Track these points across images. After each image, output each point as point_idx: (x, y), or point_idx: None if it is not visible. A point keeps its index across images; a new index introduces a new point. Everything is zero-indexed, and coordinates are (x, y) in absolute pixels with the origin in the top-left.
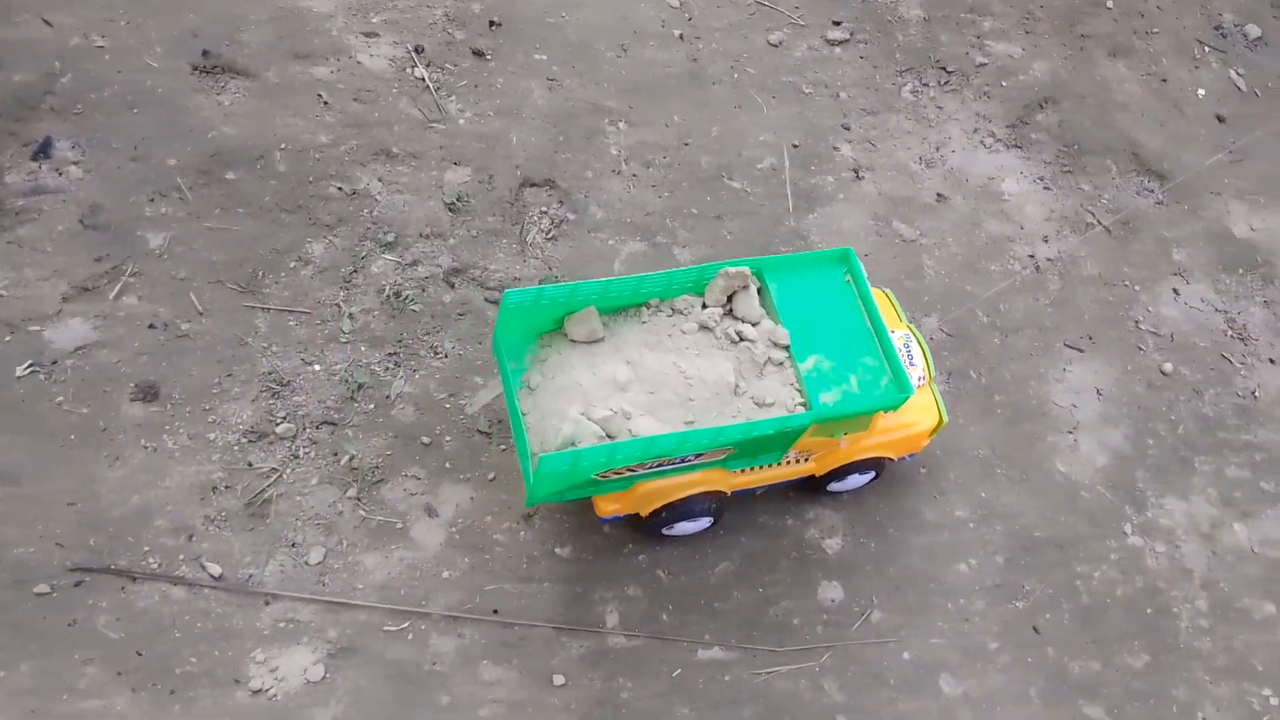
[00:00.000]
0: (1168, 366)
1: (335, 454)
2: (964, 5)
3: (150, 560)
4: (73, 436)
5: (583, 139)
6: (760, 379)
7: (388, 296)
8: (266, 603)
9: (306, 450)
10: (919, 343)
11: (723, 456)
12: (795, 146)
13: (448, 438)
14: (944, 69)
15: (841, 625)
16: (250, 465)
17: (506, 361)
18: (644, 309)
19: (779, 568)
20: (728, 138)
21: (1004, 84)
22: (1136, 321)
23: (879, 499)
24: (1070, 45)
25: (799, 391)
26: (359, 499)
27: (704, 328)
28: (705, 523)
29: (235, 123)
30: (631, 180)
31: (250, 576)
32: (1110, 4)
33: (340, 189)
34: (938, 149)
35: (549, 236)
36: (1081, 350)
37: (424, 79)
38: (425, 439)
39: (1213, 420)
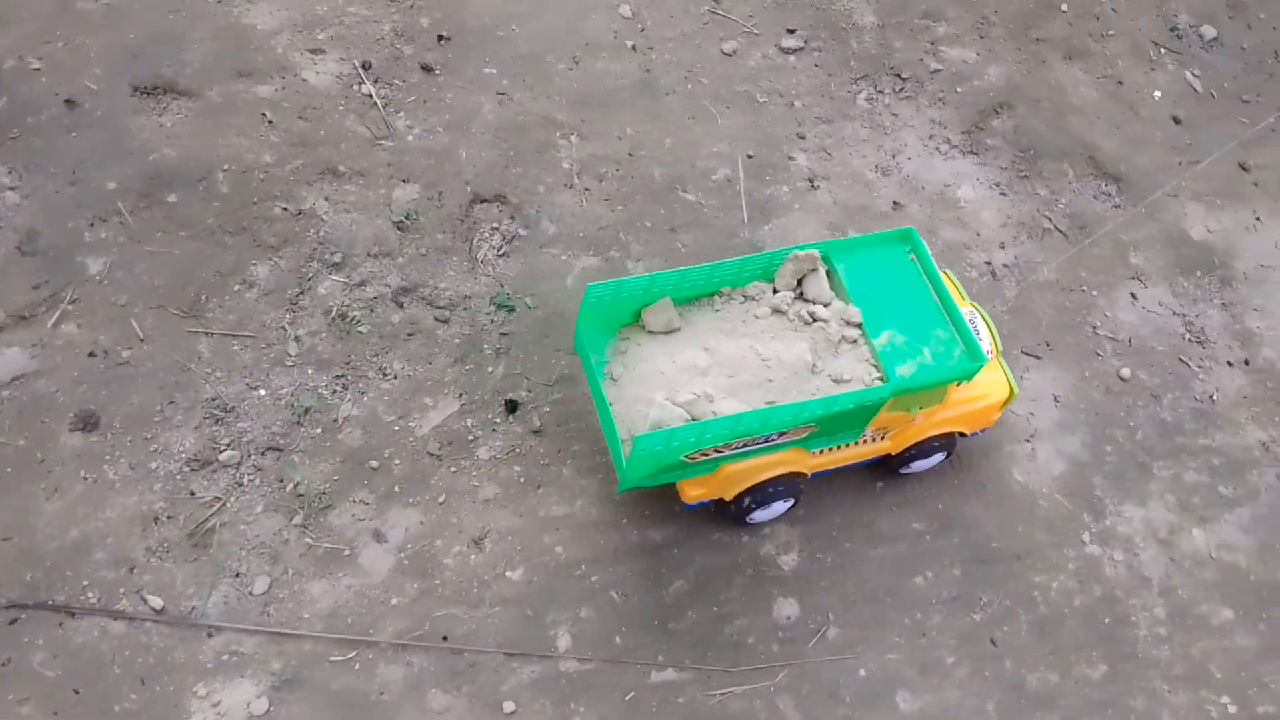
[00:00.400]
0: (1125, 372)
1: (281, 480)
2: (918, 11)
3: (89, 595)
4: (9, 469)
5: (534, 153)
6: (836, 357)
7: (334, 318)
8: (209, 635)
9: (251, 477)
10: (984, 319)
11: (804, 435)
12: (750, 157)
13: (397, 461)
14: (899, 76)
15: (797, 642)
16: (193, 494)
17: (590, 354)
18: (716, 298)
19: (734, 585)
20: (681, 149)
21: (959, 90)
22: (1094, 327)
23: (835, 512)
24: (1025, 49)
25: (875, 367)
26: (305, 526)
27: (777, 311)
28: (787, 505)
29: (177, 144)
30: (584, 194)
31: (193, 609)
32: (1065, 7)
33: (285, 209)
34: (893, 156)
35: (500, 253)
36: (1039, 357)
37: (371, 95)
38: (374, 463)
39: (1171, 425)
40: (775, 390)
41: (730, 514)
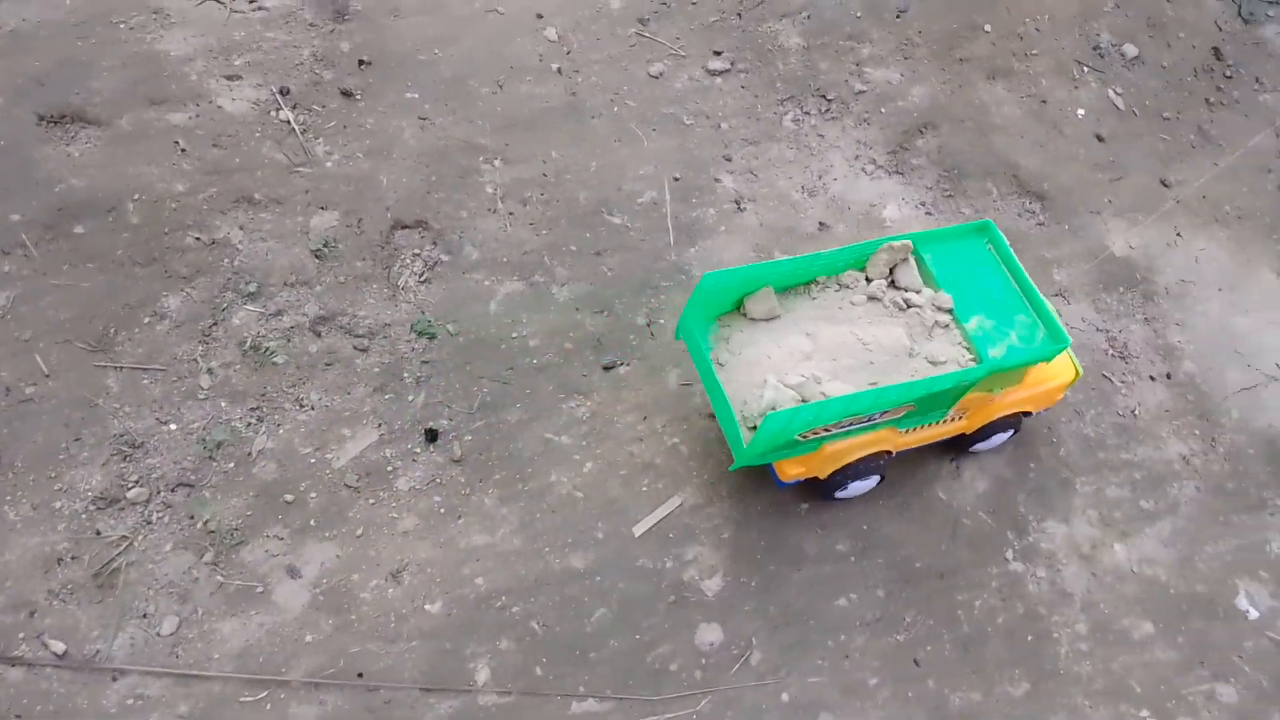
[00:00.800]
0: None
1: (191, 517)
2: (843, 33)
3: None
4: None
5: (456, 178)
6: (930, 340)
7: (249, 349)
8: (114, 679)
9: (160, 515)
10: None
11: (901, 415)
12: (676, 179)
13: (312, 494)
14: (824, 97)
15: (720, 668)
16: (99, 533)
17: (699, 340)
18: (812, 286)
19: (657, 612)
20: (607, 172)
21: (884, 110)
22: None
23: (759, 535)
24: (949, 70)
25: (967, 349)
26: (216, 563)
27: (872, 298)
28: (875, 481)
29: (85, 174)
30: (508, 218)
31: (97, 652)
32: (988, 28)
33: (198, 239)
34: (820, 177)
35: (422, 279)
36: None
37: (289, 121)
38: (288, 496)
39: (1094, 440)
40: (877, 372)
41: (821, 490)
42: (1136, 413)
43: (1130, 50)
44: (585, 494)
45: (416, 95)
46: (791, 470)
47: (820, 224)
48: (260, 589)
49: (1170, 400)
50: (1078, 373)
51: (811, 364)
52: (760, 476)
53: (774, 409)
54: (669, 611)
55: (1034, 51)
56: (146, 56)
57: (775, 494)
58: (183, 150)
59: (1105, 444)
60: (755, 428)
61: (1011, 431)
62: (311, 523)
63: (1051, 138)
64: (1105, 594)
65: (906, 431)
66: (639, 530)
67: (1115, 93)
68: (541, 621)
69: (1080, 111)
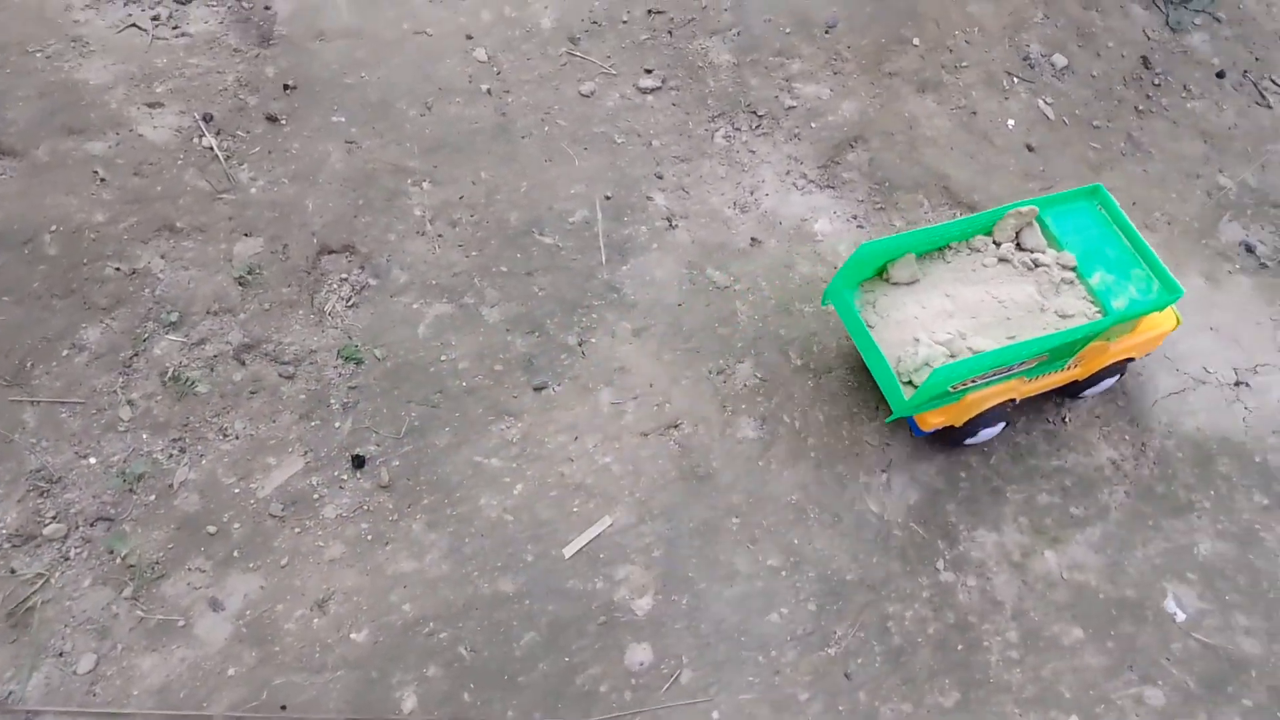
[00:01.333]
0: None
1: (111, 551)
2: (772, 49)
3: None
4: None
5: (384, 201)
6: (1058, 296)
7: (170, 379)
8: None
9: (78, 550)
10: None
11: (1031, 365)
12: (608, 198)
13: (236, 525)
14: (755, 113)
15: (651, 688)
16: (13, 571)
17: (850, 304)
18: (946, 251)
19: (586, 633)
20: (538, 192)
21: (814, 125)
22: None
23: (691, 552)
24: (878, 84)
25: (1092, 302)
26: (136, 598)
27: (1002, 260)
28: (1000, 428)
29: (0, 206)
30: (437, 240)
31: (10, 693)
32: (916, 41)
33: (118, 269)
34: (751, 193)
35: (349, 304)
36: None
37: (213, 148)
38: (211, 528)
39: (1024, 448)
40: (1013, 327)
41: (954, 438)
42: (1067, 420)
43: (1060, 60)
44: (515, 516)
45: (343, 119)
46: (934, 420)
47: (752, 239)
48: (182, 623)
49: (1100, 406)
50: (1178, 321)
51: (955, 322)
52: (694, 495)
53: (928, 364)
54: (599, 633)
55: (963, 63)
56: (64, 85)
57: (707, 511)
58: (102, 180)
59: (1036, 451)
60: (910, 382)
61: (1118, 376)
62: (235, 554)
63: (982, 148)
64: (1035, 601)
65: (1031, 380)
66: (569, 551)
67: (1045, 102)
68: (470, 647)
69: (1010, 122)
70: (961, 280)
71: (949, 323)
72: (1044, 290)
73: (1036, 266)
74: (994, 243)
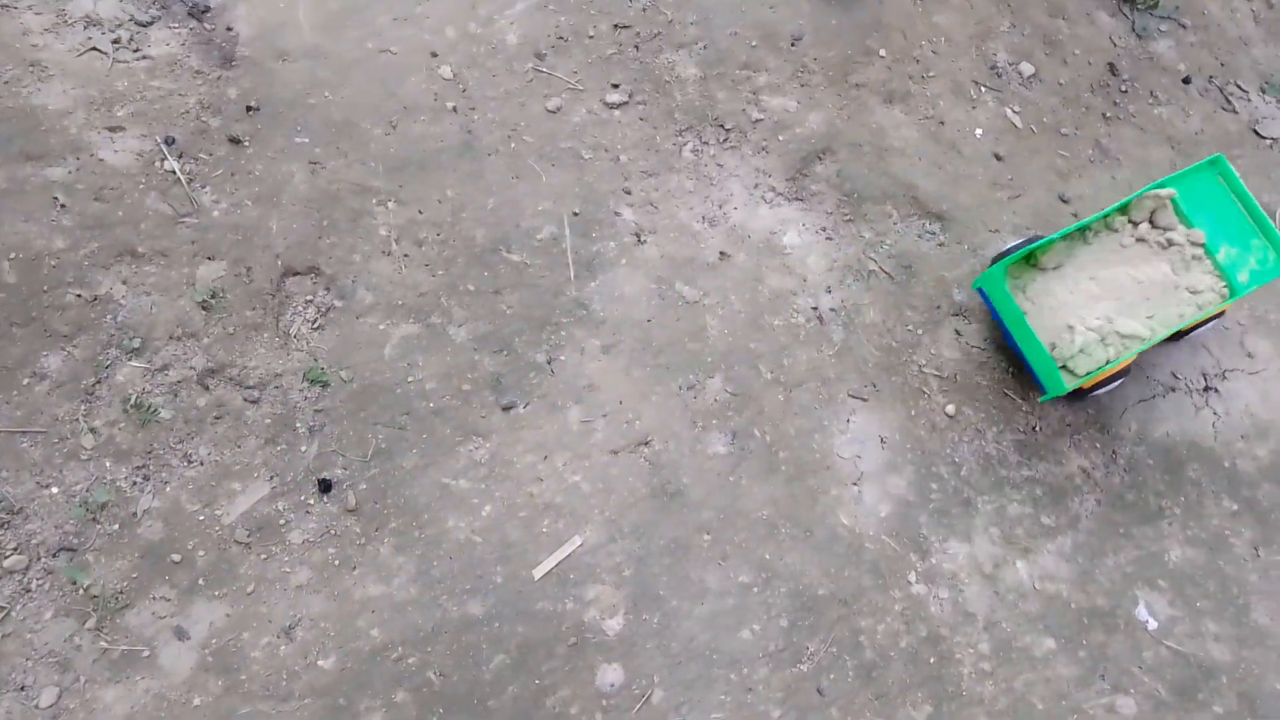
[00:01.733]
0: (951, 409)
1: (73, 582)
2: (739, 62)
3: None
4: None
5: (349, 221)
6: (1189, 273)
7: (132, 406)
8: None
9: (40, 581)
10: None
11: None
12: (576, 214)
13: (201, 552)
14: (722, 126)
15: (622, 710)
16: None
17: (1004, 291)
18: (1086, 233)
19: (556, 655)
20: (505, 209)
21: (781, 137)
22: (920, 365)
23: (662, 570)
24: (845, 95)
25: (1218, 277)
26: (99, 629)
27: (1139, 240)
28: (1120, 382)
29: None
30: (403, 260)
31: None
32: (883, 52)
33: (79, 296)
34: (720, 206)
35: (315, 326)
36: (865, 399)
37: (175, 171)
38: (175, 556)
39: (995, 458)
40: (1153, 307)
41: (1081, 395)
42: (1038, 429)
43: (1027, 68)
44: (484, 538)
45: (306, 139)
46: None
47: (721, 253)
48: (146, 653)
49: (1070, 414)
50: None
51: (1102, 305)
52: (665, 512)
53: (1082, 351)
54: (569, 654)
55: (930, 74)
56: (22, 111)
57: (678, 528)
58: (62, 206)
59: (1007, 461)
60: (1064, 367)
61: (1213, 323)
62: (200, 581)
63: (950, 158)
64: (1007, 612)
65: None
66: (539, 572)
67: (1013, 111)
68: (438, 671)
69: (978, 131)
70: (1102, 262)
71: (1097, 306)
72: (1177, 268)
73: (1170, 245)
74: (1130, 222)
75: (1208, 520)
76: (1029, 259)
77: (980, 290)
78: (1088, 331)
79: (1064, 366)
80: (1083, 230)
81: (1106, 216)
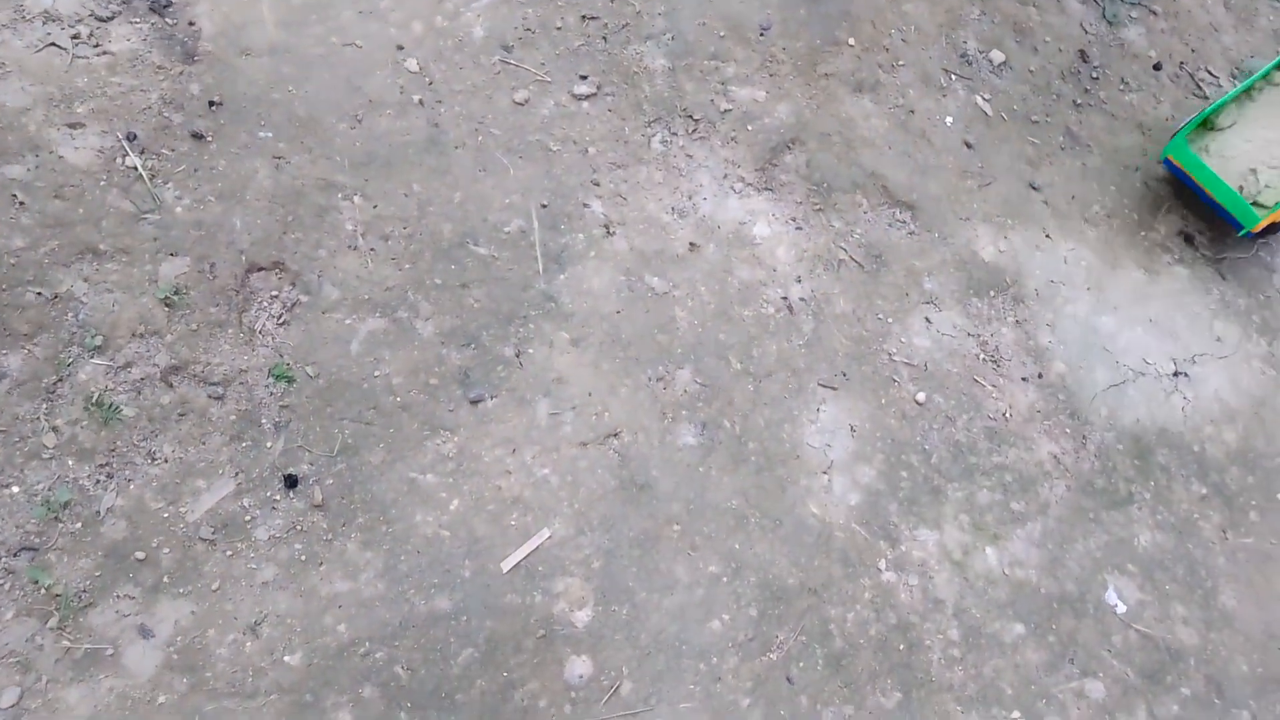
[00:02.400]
0: (921, 396)
1: (35, 582)
2: (707, 53)
3: None
4: None
5: (314, 217)
6: None
7: (95, 404)
8: None
9: (1, 582)
10: None
11: None
12: (544, 206)
13: (165, 550)
14: (691, 117)
15: (590, 702)
16: None
17: (1189, 153)
18: (1252, 91)
19: (524, 648)
20: (472, 203)
21: (750, 128)
22: (890, 354)
23: (631, 562)
24: (814, 85)
25: None
26: (62, 628)
27: None
28: None
29: None
30: (369, 255)
31: None
32: (852, 42)
33: (39, 294)
34: (689, 198)
35: (280, 322)
36: (835, 389)
37: (137, 168)
38: (140, 554)
39: (965, 446)
40: None
41: (1273, 231)
42: (1008, 415)
43: (997, 56)
44: (451, 532)
45: (270, 134)
46: (1265, 223)
47: (691, 244)
48: (110, 652)
49: (1041, 401)
50: None
51: (1276, 148)
52: (634, 504)
53: (1267, 186)
54: (538, 647)
55: (900, 62)
56: None
57: (647, 520)
58: (21, 204)
59: (977, 448)
60: (1255, 203)
61: None
62: (165, 580)
63: (920, 147)
64: (977, 599)
65: None
66: (507, 566)
67: (983, 99)
68: (406, 666)
69: (948, 119)
70: (1271, 113)
71: (1273, 150)
72: None
73: None
74: None
75: (1177, 505)
76: (1206, 124)
77: (1166, 161)
78: (1269, 170)
79: (1255, 203)
80: (1248, 90)
81: (1267, 75)
